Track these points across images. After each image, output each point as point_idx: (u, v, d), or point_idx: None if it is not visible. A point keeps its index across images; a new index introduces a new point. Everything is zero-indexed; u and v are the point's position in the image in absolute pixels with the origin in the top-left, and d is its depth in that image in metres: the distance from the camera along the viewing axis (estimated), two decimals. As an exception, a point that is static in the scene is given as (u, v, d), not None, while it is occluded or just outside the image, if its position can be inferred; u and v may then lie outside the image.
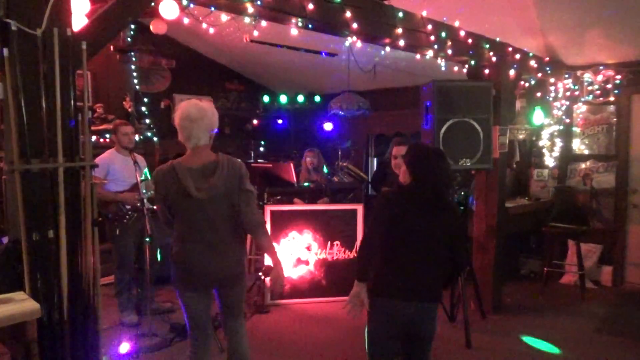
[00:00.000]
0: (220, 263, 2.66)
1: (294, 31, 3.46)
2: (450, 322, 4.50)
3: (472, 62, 4.59)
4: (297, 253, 5.04)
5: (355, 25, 3.44)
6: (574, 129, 6.11)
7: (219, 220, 2.62)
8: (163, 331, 4.24)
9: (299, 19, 3.22)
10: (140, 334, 4.10)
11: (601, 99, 5.84)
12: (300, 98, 8.12)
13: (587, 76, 5.89)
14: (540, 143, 6.28)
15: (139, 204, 4.16)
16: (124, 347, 3.77)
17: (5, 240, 2.30)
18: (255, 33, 3.59)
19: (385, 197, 2.60)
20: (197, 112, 2.58)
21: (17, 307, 1.93)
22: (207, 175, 2.57)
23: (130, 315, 4.42)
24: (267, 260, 4.89)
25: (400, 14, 3.77)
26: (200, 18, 3.76)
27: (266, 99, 8.27)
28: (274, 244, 2.95)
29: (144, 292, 4.50)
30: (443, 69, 4.84)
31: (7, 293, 2.03)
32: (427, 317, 2.54)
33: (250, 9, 2.96)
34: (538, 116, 6.13)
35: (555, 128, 6.17)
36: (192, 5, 3.04)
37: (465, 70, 4.83)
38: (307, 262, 5.06)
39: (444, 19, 4.20)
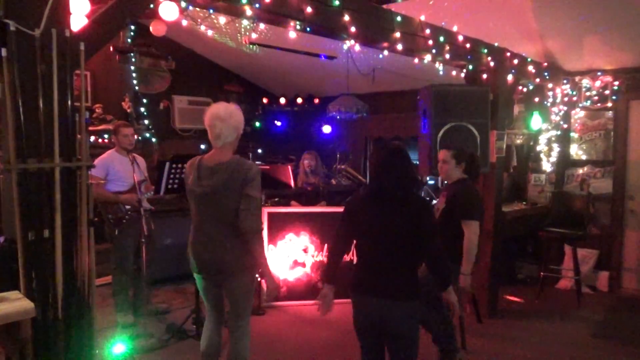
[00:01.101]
0: (216, 255, 2.78)
1: (292, 34, 3.47)
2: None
3: (470, 67, 4.61)
4: (293, 255, 5.04)
5: (353, 29, 3.46)
6: (572, 134, 6.13)
7: (219, 215, 2.75)
8: (159, 332, 4.24)
9: (297, 22, 3.23)
10: (136, 335, 4.10)
11: (599, 104, 5.87)
12: (299, 100, 8.12)
13: (585, 82, 5.91)
14: (538, 148, 6.29)
15: (137, 205, 4.16)
16: (120, 348, 3.76)
17: (1, 239, 2.31)
18: (254, 35, 3.60)
19: (347, 200, 2.64)
20: (225, 113, 2.76)
21: (12, 306, 1.93)
22: (214, 173, 2.75)
23: (126, 315, 4.41)
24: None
25: (399, 18, 3.79)
26: (199, 20, 3.77)
27: (265, 101, 8.28)
28: (266, 253, 3.05)
29: (141, 293, 4.50)
30: (441, 73, 4.86)
31: (1, 292, 2.03)
32: (395, 315, 2.49)
33: (248, 11, 2.97)
34: (536, 121, 6.15)
35: (553, 133, 6.18)
36: (190, 8, 3.05)
37: (463, 75, 4.85)
38: (303, 264, 5.07)
39: (442, 23, 4.21)
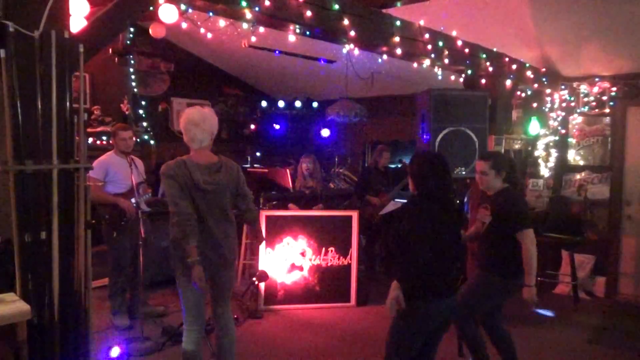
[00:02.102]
0: (217, 250, 2.96)
1: (291, 38, 3.48)
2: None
3: (469, 72, 4.62)
4: (291, 259, 5.03)
5: (352, 33, 3.46)
6: (570, 139, 6.14)
7: (219, 211, 2.96)
8: (155, 335, 4.22)
9: (297, 26, 3.24)
10: (132, 337, 4.08)
11: (597, 110, 5.88)
12: (298, 104, 8.14)
13: (583, 88, 5.93)
14: (536, 153, 6.30)
15: (135, 207, 4.16)
16: (115, 351, 3.75)
17: (-3, 241, 2.30)
18: (253, 39, 3.61)
19: (421, 209, 2.68)
20: (199, 117, 2.90)
21: (8, 308, 1.92)
22: (213, 171, 2.93)
23: (122, 318, 4.40)
24: (261, 265, 4.90)
25: (398, 23, 3.80)
26: (199, 23, 3.78)
27: (264, 104, 8.29)
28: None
29: (137, 295, 4.49)
30: (440, 77, 4.87)
31: (-2, 294, 2.03)
32: (454, 308, 2.77)
33: (248, 14, 2.97)
34: (534, 126, 6.16)
35: (551, 138, 6.20)
36: (190, 10, 3.06)
37: (461, 80, 4.86)
38: (301, 268, 5.06)
39: (441, 28, 4.22)
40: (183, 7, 2.95)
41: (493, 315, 3.55)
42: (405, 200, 3.53)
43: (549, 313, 4.19)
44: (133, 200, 4.23)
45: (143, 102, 6.63)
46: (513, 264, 3.28)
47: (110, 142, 4.82)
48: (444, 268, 2.66)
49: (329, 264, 5.10)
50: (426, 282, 2.61)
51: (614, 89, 5.71)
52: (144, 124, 6.52)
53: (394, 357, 2.74)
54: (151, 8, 2.81)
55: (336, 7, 3.35)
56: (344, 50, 4.41)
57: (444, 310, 2.67)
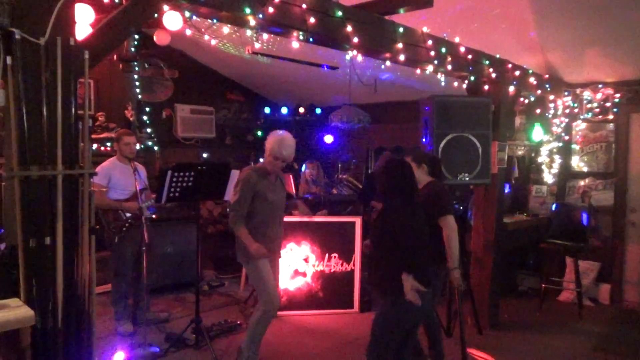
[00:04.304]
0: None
1: (295, 44, 3.49)
2: (447, 337, 4.48)
3: (472, 78, 4.62)
4: (294, 265, 5.03)
5: (356, 40, 3.48)
6: (573, 146, 6.13)
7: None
8: (158, 341, 4.22)
9: (300, 32, 3.25)
10: (135, 343, 4.08)
11: (600, 116, 5.88)
12: (301, 110, 8.14)
13: (587, 94, 5.93)
14: (539, 159, 6.30)
15: (139, 212, 4.17)
16: (119, 356, 3.75)
17: (2, 246, 2.31)
18: (257, 45, 3.63)
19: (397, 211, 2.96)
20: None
21: (12, 313, 1.93)
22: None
23: (125, 324, 4.40)
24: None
25: (401, 29, 3.81)
26: (203, 30, 3.80)
27: (267, 110, 8.30)
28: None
29: (141, 301, 4.49)
30: (443, 84, 4.88)
31: (2, 299, 2.03)
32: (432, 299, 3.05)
33: (252, 21, 2.99)
34: (537, 133, 6.16)
35: (555, 145, 6.19)
36: (194, 17, 3.08)
37: (465, 86, 4.86)
38: (304, 274, 5.05)
39: (444, 35, 4.24)
40: (187, 14, 2.96)
41: None
42: None
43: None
44: (139, 201, 4.23)
45: (147, 109, 6.65)
46: (439, 251, 3.49)
47: (114, 147, 4.84)
48: (424, 262, 2.90)
49: (332, 270, 5.09)
50: (425, 273, 2.89)
51: (618, 95, 5.71)
52: (148, 130, 6.54)
53: (377, 348, 2.92)
54: (155, 15, 2.83)
55: (339, 13, 3.36)
56: (347, 57, 4.42)
57: (425, 302, 2.87)
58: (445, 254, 3.50)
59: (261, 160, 8.49)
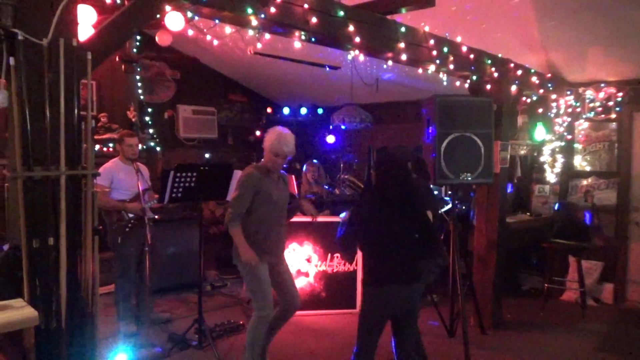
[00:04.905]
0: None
1: (297, 44, 3.49)
2: (450, 337, 4.47)
3: (474, 77, 4.62)
4: (297, 265, 5.03)
5: (357, 39, 3.48)
6: (576, 145, 6.12)
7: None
8: (161, 341, 4.22)
9: (302, 32, 3.25)
10: (138, 344, 4.09)
11: (603, 116, 5.86)
12: (303, 110, 8.15)
13: (589, 93, 5.92)
14: (542, 159, 6.29)
15: (141, 213, 4.17)
16: (121, 357, 3.75)
17: (5, 247, 2.31)
18: (259, 45, 3.62)
19: (364, 200, 3.15)
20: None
21: (16, 314, 1.93)
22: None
23: (128, 324, 4.40)
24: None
25: (403, 29, 3.81)
26: (205, 30, 3.80)
27: (269, 110, 8.31)
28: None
29: (143, 301, 4.50)
30: (445, 83, 4.87)
31: (6, 300, 2.04)
32: (415, 297, 2.96)
33: (254, 21, 2.99)
34: (539, 132, 6.15)
35: (557, 144, 6.18)
36: (197, 18, 3.08)
37: (467, 85, 4.86)
38: (307, 274, 5.06)
39: (446, 34, 4.23)
40: (189, 14, 2.97)
41: None
42: None
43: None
44: (142, 201, 4.23)
45: (149, 109, 6.67)
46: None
47: (117, 148, 4.85)
48: (391, 258, 2.90)
49: (334, 270, 5.09)
50: (373, 270, 2.95)
51: (620, 94, 5.69)
52: (150, 130, 6.55)
53: (359, 338, 3.02)
54: (157, 16, 2.83)
55: (341, 13, 3.36)
56: (349, 57, 4.42)
57: (396, 296, 2.90)
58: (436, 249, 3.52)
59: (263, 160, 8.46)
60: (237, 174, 4.08)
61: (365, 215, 2.97)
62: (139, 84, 6.48)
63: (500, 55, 4.72)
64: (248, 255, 3.33)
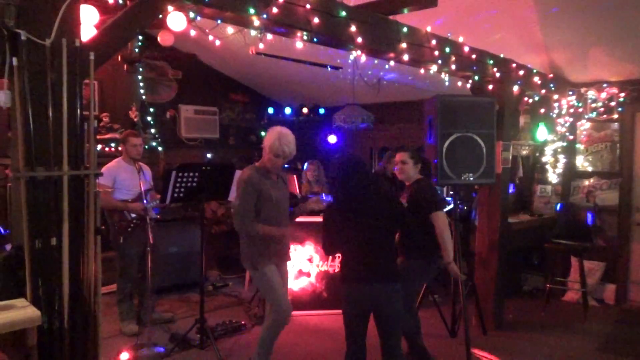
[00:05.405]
0: None
1: (299, 44, 3.49)
2: (451, 337, 4.47)
3: (476, 78, 4.62)
4: (298, 265, 5.03)
5: (359, 40, 3.47)
6: (578, 145, 6.11)
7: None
8: (163, 341, 4.23)
9: (304, 33, 3.25)
10: (140, 344, 4.09)
11: (605, 116, 5.85)
12: (305, 110, 8.15)
13: (591, 93, 5.91)
14: (544, 159, 6.28)
15: (144, 213, 4.18)
16: (124, 357, 3.76)
17: (8, 246, 2.32)
18: (261, 45, 3.62)
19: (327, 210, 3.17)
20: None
21: (18, 314, 1.93)
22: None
23: (130, 324, 4.41)
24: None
25: (405, 29, 3.81)
26: (207, 30, 3.80)
27: (271, 110, 8.31)
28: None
29: (145, 301, 4.50)
30: (447, 83, 4.87)
31: (9, 299, 2.04)
32: (387, 297, 2.95)
33: (256, 22, 2.99)
34: (541, 132, 6.14)
35: (559, 144, 6.17)
36: (199, 18, 3.08)
37: (469, 86, 4.85)
38: (308, 274, 5.06)
39: (449, 34, 4.23)
40: (191, 15, 2.97)
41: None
42: None
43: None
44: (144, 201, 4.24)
45: (151, 109, 6.67)
46: (429, 246, 3.64)
47: (119, 148, 4.86)
48: (357, 258, 2.97)
49: (336, 270, 5.09)
50: (343, 270, 3.05)
51: (622, 94, 5.69)
52: (152, 130, 6.56)
53: (345, 339, 3.10)
54: (160, 16, 2.84)
55: (343, 14, 3.36)
56: (351, 57, 4.42)
57: (365, 295, 2.96)
58: (437, 248, 3.58)
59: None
60: (239, 174, 4.08)
61: (332, 220, 3.06)
62: (141, 84, 6.49)
63: (502, 55, 4.71)
64: (280, 232, 3.42)
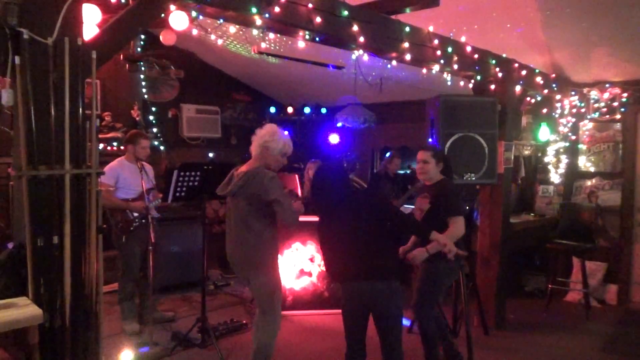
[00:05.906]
0: (236, 252, 3.27)
1: (301, 44, 3.49)
2: (453, 337, 4.46)
3: (478, 77, 4.61)
4: (300, 264, 5.03)
5: (362, 39, 3.47)
6: (580, 145, 6.10)
7: (237, 217, 3.26)
8: (164, 340, 4.23)
9: (307, 32, 3.25)
10: (142, 343, 4.09)
11: (607, 116, 5.85)
12: (307, 110, 8.14)
13: (594, 93, 5.90)
14: (546, 159, 6.27)
15: (146, 212, 4.18)
16: (125, 356, 3.76)
17: (10, 245, 2.32)
18: (263, 45, 3.62)
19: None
20: (258, 131, 3.45)
21: (20, 312, 1.94)
22: (232, 180, 3.35)
23: (132, 323, 4.42)
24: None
25: (407, 29, 3.80)
26: (209, 30, 3.80)
27: (273, 110, 8.31)
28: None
29: (147, 300, 4.51)
30: (449, 83, 4.86)
31: (10, 298, 2.04)
32: (381, 295, 2.91)
33: (258, 21, 2.99)
34: (544, 132, 6.13)
35: (561, 145, 6.16)
36: (201, 17, 3.08)
37: (471, 85, 4.85)
38: (310, 274, 5.06)
39: (451, 34, 4.22)
40: (194, 14, 2.97)
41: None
42: (413, 207, 3.62)
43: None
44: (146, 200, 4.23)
45: (153, 108, 6.67)
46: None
47: (122, 148, 4.85)
48: (343, 257, 3.01)
49: (337, 270, 5.09)
50: (332, 268, 3.14)
51: (625, 94, 5.68)
52: (154, 130, 6.56)
53: (345, 338, 3.15)
54: (162, 15, 2.84)
55: (345, 13, 3.36)
56: (353, 57, 4.42)
57: (355, 293, 2.98)
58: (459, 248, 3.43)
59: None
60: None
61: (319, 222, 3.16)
62: (143, 83, 6.49)
63: (504, 55, 4.71)
64: (301, 205, 3.55)
